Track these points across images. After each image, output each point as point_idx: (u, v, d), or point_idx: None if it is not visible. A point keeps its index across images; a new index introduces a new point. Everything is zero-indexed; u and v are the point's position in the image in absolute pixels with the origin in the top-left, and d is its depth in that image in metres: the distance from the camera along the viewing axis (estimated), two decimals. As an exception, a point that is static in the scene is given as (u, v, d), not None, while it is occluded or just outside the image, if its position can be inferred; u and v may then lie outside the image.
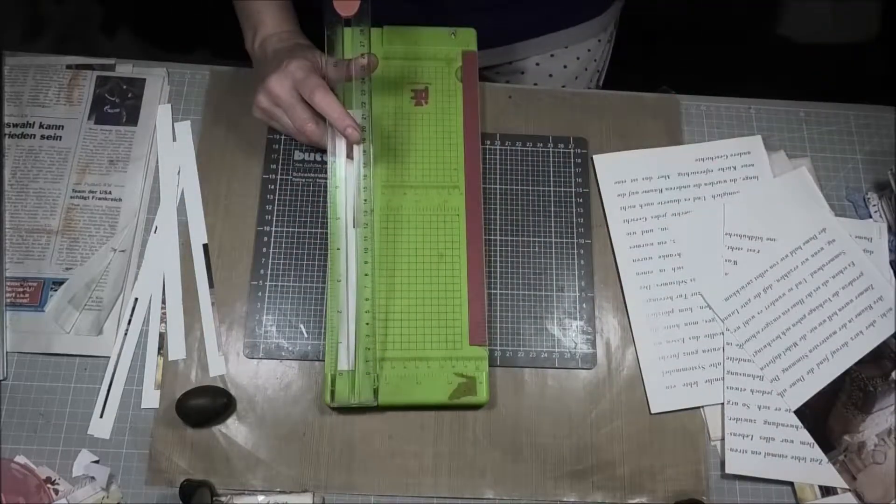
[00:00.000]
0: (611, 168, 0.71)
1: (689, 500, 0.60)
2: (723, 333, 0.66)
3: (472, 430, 0.63)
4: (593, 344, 0.66)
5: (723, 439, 0.63)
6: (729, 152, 0.72)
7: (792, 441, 0.63)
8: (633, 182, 0.71)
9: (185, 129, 0.71)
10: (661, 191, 0.70)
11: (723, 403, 0.64)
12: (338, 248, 0.61)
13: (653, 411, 0.64)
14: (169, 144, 0.70)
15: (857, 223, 0.70)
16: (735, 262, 0.68)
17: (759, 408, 0.64)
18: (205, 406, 0.60)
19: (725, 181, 0.71)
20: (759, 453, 0.62)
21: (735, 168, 0.71)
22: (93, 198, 0.68)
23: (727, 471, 0.62)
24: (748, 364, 0.65)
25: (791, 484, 0.62)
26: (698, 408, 0.64)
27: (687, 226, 0.69)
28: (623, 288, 0.67)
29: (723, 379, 0.64)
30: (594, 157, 0.71)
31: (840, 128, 0.75)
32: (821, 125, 0.75)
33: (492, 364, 0.64)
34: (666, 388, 0.64)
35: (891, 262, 0.68)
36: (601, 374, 0.65)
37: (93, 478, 0.60)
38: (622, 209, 0.70)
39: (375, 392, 0.60)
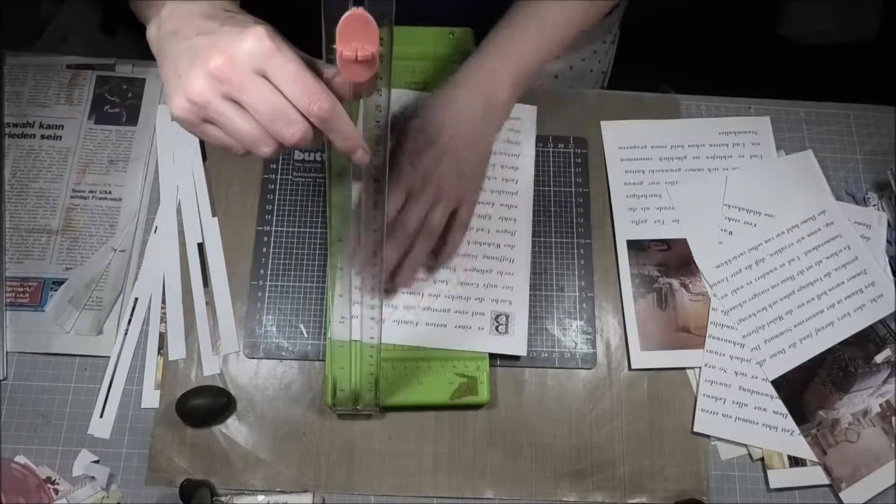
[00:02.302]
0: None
1: (689, 499, 0.60)
2: (710, 298, 0.67)
3: (472, 430, 0.63)
4: (593, 344, 0.66)
5: (695, 400, 0.64)
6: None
7: (765, 409, 0.64)
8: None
9: (185, 128, 0.71)
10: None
11: (700, 366, 0.65)
12: (340, 239, 0.59)
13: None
14: (169, 144, 0.70)
15: (858, 209, 0.70)
16: (731, 233, 0.69)
17: (736, 374, 0.65)
18: (205, 406, 0.60)
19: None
20: (730, 417, 0.63)
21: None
22: (93, 198, 0.68)
23: (695, 429, 0.63)
24: (731, 331, 0.66)
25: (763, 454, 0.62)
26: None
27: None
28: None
29: (703, 341, 0.65)
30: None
31: (840, 128, 0.75)
32: (821, 125, 0.74)
33: (492, 364, 0.64)
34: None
35: (890, 259, 0.68)
36: (601, 374, 0.65)
37: (93, 478, 0.60)
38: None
39: (377, 404, 0.60)
